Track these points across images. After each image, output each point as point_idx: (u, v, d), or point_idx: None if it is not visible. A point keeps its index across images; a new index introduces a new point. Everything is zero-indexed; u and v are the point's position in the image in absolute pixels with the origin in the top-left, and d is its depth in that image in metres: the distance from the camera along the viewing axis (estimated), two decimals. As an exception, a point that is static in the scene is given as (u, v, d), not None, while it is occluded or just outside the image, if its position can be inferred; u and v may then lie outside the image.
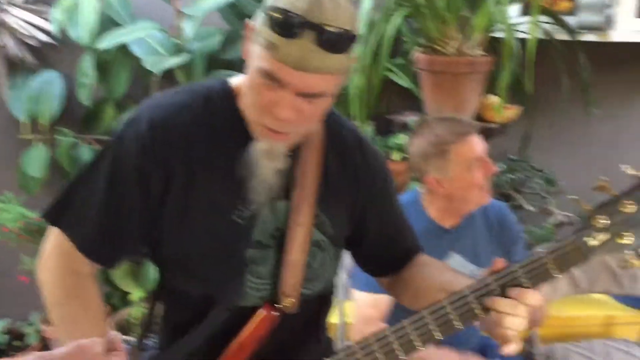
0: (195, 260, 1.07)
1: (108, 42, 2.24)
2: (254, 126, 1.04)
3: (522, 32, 2.38)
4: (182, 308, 1.13)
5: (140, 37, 2.26)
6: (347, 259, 2.05)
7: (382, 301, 1.71)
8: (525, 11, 2.62)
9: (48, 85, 2.45)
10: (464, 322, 0.97)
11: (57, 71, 2.51)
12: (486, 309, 0.97)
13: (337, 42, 0.96)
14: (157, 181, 1.03)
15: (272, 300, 1.09)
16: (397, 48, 2.57)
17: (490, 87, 2.46)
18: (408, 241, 1.26)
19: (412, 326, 0.97)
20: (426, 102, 2.48)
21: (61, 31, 2.37)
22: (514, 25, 2.45)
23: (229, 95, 1.08)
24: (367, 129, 2.43)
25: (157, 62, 2.23)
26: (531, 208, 2.73)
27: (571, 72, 2.56)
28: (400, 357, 0.98)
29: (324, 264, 1.14)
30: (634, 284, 2.21)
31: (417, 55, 2.39)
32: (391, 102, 2.67)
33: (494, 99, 2.45)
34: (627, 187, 0.93)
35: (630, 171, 0.94)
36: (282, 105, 0.97)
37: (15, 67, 2.52)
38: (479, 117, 2.48)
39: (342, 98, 2.47)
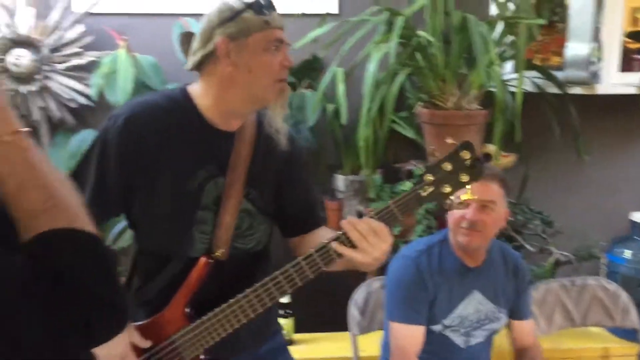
0: (159, 220, 1.44)
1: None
2: (266, 91, 1.39)
3: (514, 86, 2.60)
4: (149, 261, 1.50)
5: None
6: (359, 296, 2.24)
7: (419, 332, 1.88)
8: (518, 68, 2.85)
9: (85, 144, 2.63)
10: (326, 263, 1.35)
11: (95, 130, 2.70)
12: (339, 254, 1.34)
13: None
14: (133, 160, 1.39)
15: (209, 251, 1.45)
16: (402, 103, 2.79)
17: (488, 136, 2.67)
18: (317, 212, 1.61)
19: (293, 269, 1.36)
20: (429, 151, 2.69)
21: (99, 94, 2.60)
22: (508, 80, 2.67)
23: (188, 96, 1.44)
24: (375, 178, 2.62)
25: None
26: (531, 248, 2.89)
27: (562, 121, 2.76)
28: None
29: (252, 227, 1.50)
30: (625, 316, 2.34)
31: (420, 109, 2.60)
32: (397, 152, 2.87)
33: (491, 148, 2.65)
34: (447, 153, 1.21)
35: (449, 140, 1.24)
36: (287, 56, 1.40)
37: (56, 127, 2.73)
38: (479, 165, 2.67)
39: (351, 149, 2.69)
